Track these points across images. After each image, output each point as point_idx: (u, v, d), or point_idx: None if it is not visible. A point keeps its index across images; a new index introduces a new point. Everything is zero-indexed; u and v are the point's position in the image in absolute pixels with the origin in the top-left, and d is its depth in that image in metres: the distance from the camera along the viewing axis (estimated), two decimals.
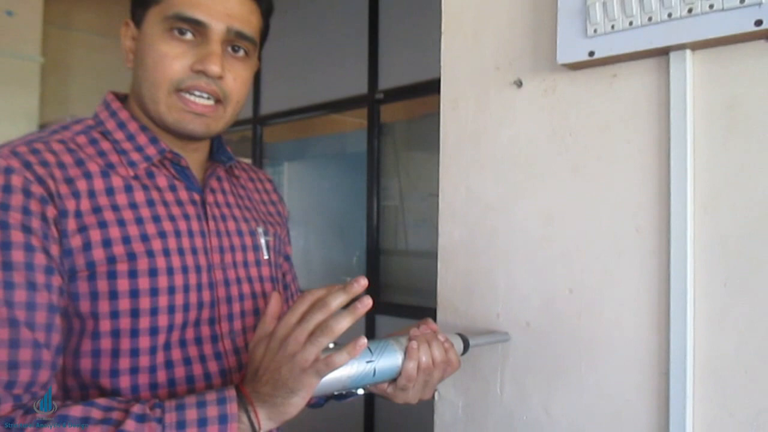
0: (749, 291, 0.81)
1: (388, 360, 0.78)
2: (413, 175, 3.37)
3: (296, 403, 0.70)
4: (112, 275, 0.76)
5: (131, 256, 0.77)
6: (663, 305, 0.88)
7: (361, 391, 0.81)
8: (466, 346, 0.90)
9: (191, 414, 0.68)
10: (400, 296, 3.27)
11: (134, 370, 0.77)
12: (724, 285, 0.83)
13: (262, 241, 0.93)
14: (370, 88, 3.34)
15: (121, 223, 0.78)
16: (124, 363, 0.76)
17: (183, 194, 0.86)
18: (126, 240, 0.77)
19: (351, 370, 0.75)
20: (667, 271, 0.87)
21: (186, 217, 0.84)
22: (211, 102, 0.82)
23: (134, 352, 0.76)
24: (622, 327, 0.92)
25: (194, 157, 0.90)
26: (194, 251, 0.83)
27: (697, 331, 0.85)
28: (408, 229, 3.40)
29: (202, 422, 0.68)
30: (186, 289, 0.81)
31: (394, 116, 3.36)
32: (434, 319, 1.13)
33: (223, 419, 0.68)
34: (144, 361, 0.77)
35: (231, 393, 0.71)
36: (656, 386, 0.88)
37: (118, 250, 0.77)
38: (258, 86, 4.22)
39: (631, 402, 0.91)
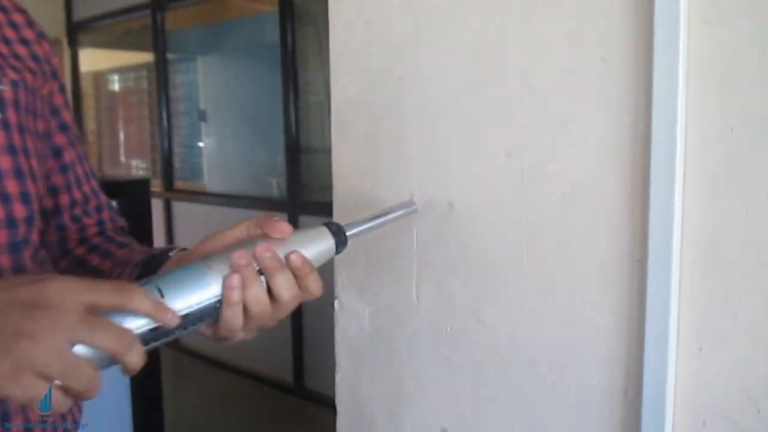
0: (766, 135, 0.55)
1: (187, 300, 0.49)
2: None
3: None
4: None
5: None
6: (640, 164, 0.61)
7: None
8: (341, 242, 0.58)
9: None
10: (325, 195, 2.99)
11: None
12: (731, 130, 0.57)
13: None
14: None
15: None
16: None
17: None
18: None
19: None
20: (647, 112, 0.59)
21: None
22: None
23: None
24: (579, 200, 0.65)
25: None
26: None
27: (689, 197, 0.59)
28: None
29: None
30: None
31: None
32: (330, 209, 0.84)
33: None
34: None
35: None
36: (627, 278, 0.63)
37: None
38: None
39: (591, 302, 0.66)
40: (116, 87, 4.68)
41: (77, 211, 0.71)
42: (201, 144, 3.97)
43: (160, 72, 3.82)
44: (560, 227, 0.67)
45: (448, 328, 0.78)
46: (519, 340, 0.71)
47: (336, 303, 0.89)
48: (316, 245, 0.56)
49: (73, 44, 4.47)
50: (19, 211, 0.59)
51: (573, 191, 0.66)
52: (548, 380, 0.70)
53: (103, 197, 0.75)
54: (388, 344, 0.84)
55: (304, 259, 0.54)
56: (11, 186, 0.58)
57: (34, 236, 0.61)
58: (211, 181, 3.89)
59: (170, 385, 3.74)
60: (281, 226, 0.54)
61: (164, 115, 3.86)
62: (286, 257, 0.53)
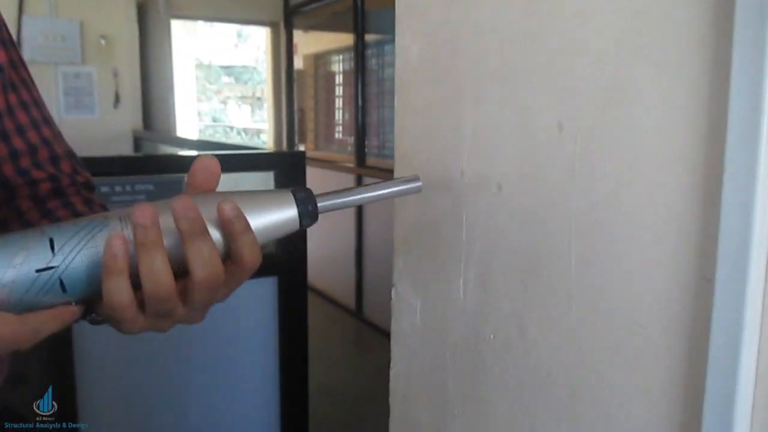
0: None
1: (88, 257, 0.42)
2: None
3: None
4: None
5: None
6: (716, 146, 0.43)
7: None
8: (307, 213, 0.48)
9: None
10: None
11: None
12: None
13: None
14: None
15: None
16: None
17: None
18: None
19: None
20: (726, 69, 0.41)
21: None
22: None
23: None
24: (638, 191, 0.48)
25: None
26: None
27: None
28: None
29: None
30: None
31: None
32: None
33: None
34: None
35: None
36: (691, 303, 0.45)
37: None
38: None
39: (644, 329, 0.49)
40: (332, 68, 4.94)
41: (24, 164, 0.65)
42: None
43: (358, 52, 3.94)
44: (614, 225, 0.51)
45: (491, 337, 0.64)
46: (562, 362, 0.56)
47: (393, 291, 0.80)
48: (268, 209, 0.47)
49: (289, 27, 4.80)
50: None
51: (631, 178, 0.49)
52: (589, 417, 0.54)
53: (60, 147, 0.68)
54: (435, 345, 0.73)
55: (239, 213, 0.44)
56: None
57: None
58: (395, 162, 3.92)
59: (351, 353, 3.91)
60: (206, 161, 0.46)
61: (358, 94, 3.99)
62: (218, 207, 0.44)
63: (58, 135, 0.69)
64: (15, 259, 0.41)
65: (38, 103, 0.68)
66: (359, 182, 4.09)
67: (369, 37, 4.00)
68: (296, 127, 5.13)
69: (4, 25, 0.65)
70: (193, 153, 2.85)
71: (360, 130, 4.05)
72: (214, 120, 11.54)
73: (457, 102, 0.66)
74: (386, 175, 3.78)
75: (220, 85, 11.90)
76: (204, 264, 0.43)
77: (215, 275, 0.44)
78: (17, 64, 0.66)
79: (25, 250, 0.42)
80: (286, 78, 4.99)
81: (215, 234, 0.45)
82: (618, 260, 0.50)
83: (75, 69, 4.27)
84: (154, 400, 1.75)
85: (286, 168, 1.88)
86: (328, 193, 0.51)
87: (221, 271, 0.44)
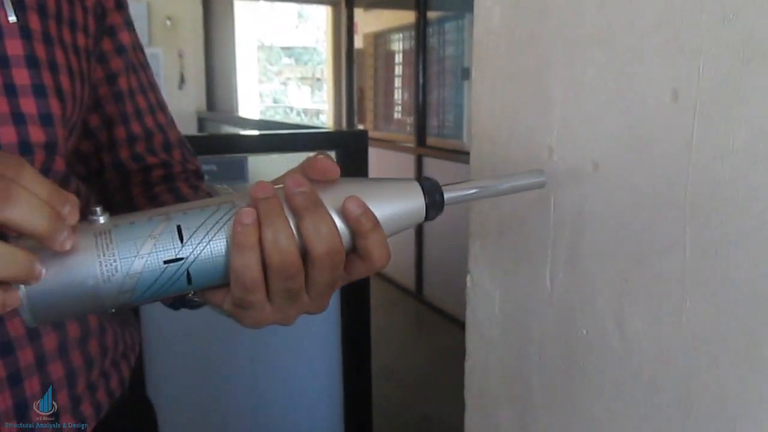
0: None
1: (217, 248, 0.40)
2: None
3: None
4: None
5: None
6: None
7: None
8: (435, 204, 0.44)
9: None
10: None
11: None
12: None
13: None
14: None
15: None
16: None
17: None
18: None
19: (126, 278, 0.38)
20: None
21: None
22: None
23: None
24: None
25: None
26: None
27: None
28: None
29: None
30: None
31: None
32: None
33: None
34: None
35: None
36: None
37: None
38: None
39: None
40: (392, 47, 4.86)
41: (139, 149, 0.64)
42: (462, 103, 3.93)
43: (419, 31, 3.86)
44: (743, 209, 0.43)
45: (584, 331, 0.58)
46: (670, 366, 0.49)
47: (468, 278, 0.74)
48: (395, 199, 0.43)
49: (350, 5, 4.75)
50: (36, 135, 0.50)
51: (766, 154, 0.41)
52: None
53: (173, 134, 0.67)
54: (517, 338, 0.67)
55: (366, 210, 0.41)
56: (29, 105, 0.49)
57: (58, 165, 0.52)
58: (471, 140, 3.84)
59: (411, 334, 3.89)
60: (323, 163, 0.42)
61: (420, 73, 3.91)
62: (343, 205, 0.41)
63: (171, 121, 0.68)
64: (143, 249, 0.39)
65: (155, 88, 0.67)
66: (419, 162, 4.02)
67: (430, 15, 3.90)
68: (355, 107, 5.10)
69: (128, 7, 0.64)
70: (254, 133, 2.85)
71: (420, 110, 3.98)
72: (275, 101, 11.68)
73: (545, 70, 0.59)
74: (447, 155, 3.71)
75: (281, 67, 12.01)
76: (321, 238, 0.40)
77: (335, 251, 0.40)
78: (137, 46, 0.65)
79: (153, 238, 0.39)
80: (346, 58, 4.95)
81: (342, 227, 0.41)
82: (747, 249, 0.43)
83: None
84: (215, 379, 1.76)
85: (349, 147, 1.83)
86: (452, 185, 0.47)
87: (340, 247, 0.41)
